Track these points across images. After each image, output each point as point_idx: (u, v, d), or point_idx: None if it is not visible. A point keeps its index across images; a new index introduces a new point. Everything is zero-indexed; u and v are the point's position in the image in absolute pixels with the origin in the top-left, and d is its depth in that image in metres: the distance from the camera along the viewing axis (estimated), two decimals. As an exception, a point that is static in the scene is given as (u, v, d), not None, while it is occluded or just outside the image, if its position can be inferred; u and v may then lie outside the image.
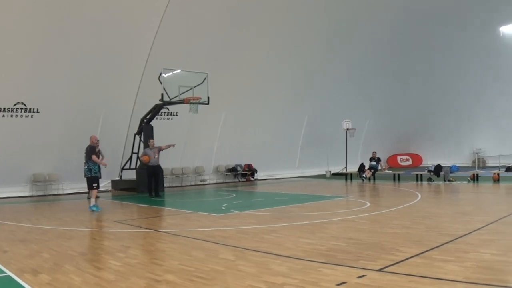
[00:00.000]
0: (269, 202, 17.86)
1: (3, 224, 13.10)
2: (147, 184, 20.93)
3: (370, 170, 26.77)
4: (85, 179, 16.11)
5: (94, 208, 15.47)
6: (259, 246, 9.13)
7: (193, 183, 27.49)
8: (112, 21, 21.64)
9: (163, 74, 21.72)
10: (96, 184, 15.80)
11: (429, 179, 24.20)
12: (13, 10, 19.35)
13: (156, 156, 20.66)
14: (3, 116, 20.80)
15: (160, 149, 20.88)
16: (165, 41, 23.18)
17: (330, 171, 32.76)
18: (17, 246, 9.71)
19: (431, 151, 38.43)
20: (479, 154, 35.52)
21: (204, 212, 15.00)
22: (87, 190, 20.09)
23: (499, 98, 34.04)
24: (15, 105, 20.97)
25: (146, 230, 11.87)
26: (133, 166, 23.73)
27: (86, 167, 15.87)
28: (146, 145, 21.32)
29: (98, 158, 20.24)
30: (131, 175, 23.57)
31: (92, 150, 15.77)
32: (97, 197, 19.89)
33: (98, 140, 19.91)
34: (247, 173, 29.94)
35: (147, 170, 20.82)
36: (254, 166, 30.30)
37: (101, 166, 16.36)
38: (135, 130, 23.75)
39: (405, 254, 7.95)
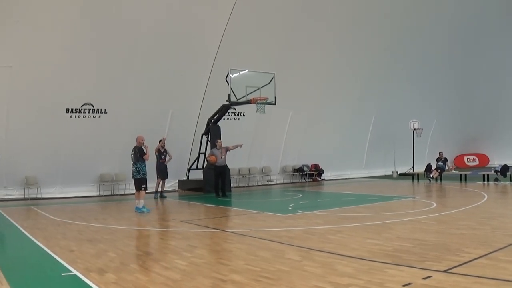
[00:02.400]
0: (336, 203, 17.67)
1: (71, 223, 13.31)
2: (214, 184, 20.99)
3: (437, 171, 26.28)
4: (134, 180, 15.89)
5: (145, 210, 15.41)
6: (325, 247, 9.02)
7: (259, 183, 27.45)
8: (179, 22, 21.84)
9: (230, 75, 21.69)
10: (144, 186, 15.69)
11: (496, 180, 23.60)
12: (81, 13, 19.74)
13: (223, 157, 20.70)
14: (71, 117, 21.16)
15: (227, 149, 20.92)
16: (232, 42, 23.22)
17: (397, 172, 32.25)
18: (84, 245, 9.82)
19: (498, 151, 37.39)
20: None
21: (271, 212, 14.91)
22: (153, 190, 20.39)
23: None
24: (82, 105, 21.34)
25: (212, 230, 11.87)
26: (200, 166, 23.87)
27: (134, 168, 15.67)
28: (214, 146, 21.40)
29: (165, 159, 20.57)
30: (198, 175, 23.71)
31: (141, 151, 15.63)
32: (163, 197, 20.21)
33: (162, 141, 20.26)
34: (314, 173, 29.70)
35: (214, 170, 20.89)
36: (321, 166, 30.04)
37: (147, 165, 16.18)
38: (202, 131, 23.88)
39: (470, 255, 7.81)
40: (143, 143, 15.78)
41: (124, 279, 7.04)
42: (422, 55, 31.44)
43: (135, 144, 15.90)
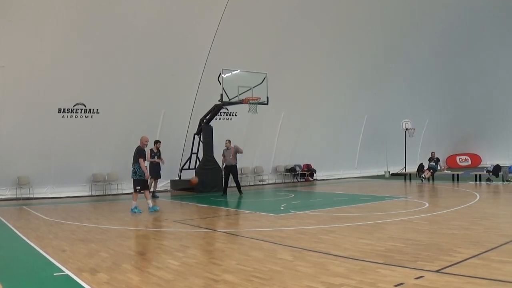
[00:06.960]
0: (328, 203, 17.68)
1: (63, 223, 13.30)
2: (223, 183, 21.73)
3: (429, 171, 26.30)
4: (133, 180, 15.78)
5: (136, 210, 15.36)
6: (317, 247, 9.04)
7: (252, 183, 27.43)
8: (171, 22, 21.82)
9: (222, 75, 21.70)
10: (139, 188, 15.48)
11: (488, 180, 23.68)
12: (73, 12, 19.68)
13: (231, 157, 21.19)
14: (63, 116, 21.10)
15: (237, 150, 21.25)
16: (224, 41, 23.21)
17: (389, 171, 32.27)
18: (76, 245, 9.82)
19: (490, 151, 37.55)
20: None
21: (263, 212, 14.94)
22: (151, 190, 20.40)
23: None
24: (75, 105, 21.27)
25: (205, 230, 11.88)
26: (192, 166, 23.83)
27: (132, 169, 15.54)
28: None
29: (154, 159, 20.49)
30: (190, 175, 23.63)
31: (139, 152, 15.50)
32: (155, 197, 20.16)
33: (159, 142, 20.24)
34: (306, 173, 29.71)
35: (224, 170, 21.61)
36: (313, 166, 30.06)
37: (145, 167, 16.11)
38: (195, 130, 23.87)
39: (463, 255, 7.84)
40: (146, 144, 15.72)
41: (116, 279, 7.04)
42: (414, 55, 31.48)
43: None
